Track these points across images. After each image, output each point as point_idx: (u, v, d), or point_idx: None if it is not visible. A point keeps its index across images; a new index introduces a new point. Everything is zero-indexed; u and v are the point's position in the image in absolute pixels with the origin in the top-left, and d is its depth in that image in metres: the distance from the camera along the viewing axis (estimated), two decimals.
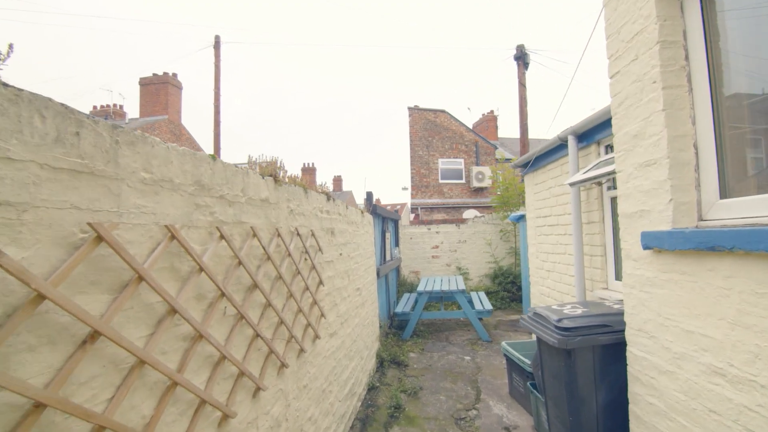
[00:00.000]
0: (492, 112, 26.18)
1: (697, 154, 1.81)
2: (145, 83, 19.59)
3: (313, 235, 2.51)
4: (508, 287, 8.50)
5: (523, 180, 10.45)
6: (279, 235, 1.97)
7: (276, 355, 1.87)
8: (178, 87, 20.34)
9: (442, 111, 19.32)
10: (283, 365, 1.97)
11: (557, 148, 4.03)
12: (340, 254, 3.28)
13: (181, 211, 1.30)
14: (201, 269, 1.33)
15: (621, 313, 2.33)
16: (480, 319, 6.19)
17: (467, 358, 5.28)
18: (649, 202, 1.94)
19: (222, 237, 1.46)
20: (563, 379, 2.43)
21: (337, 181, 33.11)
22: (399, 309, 6.27)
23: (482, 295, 7.05)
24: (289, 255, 2.10)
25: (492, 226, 9.11)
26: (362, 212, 4.46)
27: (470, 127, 19.86)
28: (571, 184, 3.34)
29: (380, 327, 5.39)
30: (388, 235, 6.85)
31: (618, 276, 3.25)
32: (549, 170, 4.38)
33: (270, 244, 1.89)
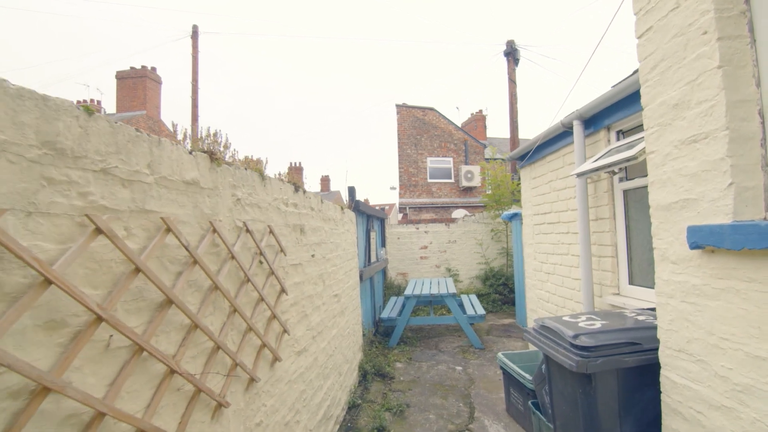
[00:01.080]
0: (480, 111, 26.01)
1: (763, 124, 1.39)
2: (122, 77, 18.78)
3: (271, 232, 2.01)
4: (500, 289, 8.11)
5: (514, 177, 10.06)
6: (215, 230, 1.47)
7: (208, 393, 1.37)
8: (157, 81, 19.52)
9: (431, 109, 18.98)
10: (221, 405, 1.47)
11: (559, 137, 3.62)
12: (312, 256, 2.79)
13: (11, 187, 0.79)
14: (48, 281, 0.82)
15: (650, 328, 1.91)
16: (471, 324, 5.76)
17: (459, 368, 4.83)
18: (697, 188, 1.51)
19: (99, 230, 0.96)
20: (579, 407, 1.99)
21: (325, 180, 32.47)
22: (385, 314, 5.79)
23: (473, 298, 6.62)
24: (233, 257, 1.60)
25: (483, 226, 8.71)
26: (342, 208, 3.97)
27: (459, 126, 19.52)
28: (579, 175, 2.92)
29: (363, 335, 4.90)
30: (373, 234, 6.37)
31: (633, 280, 2.85)
32: (549, 162, 3.97)
33: (201, 244, 1.40)
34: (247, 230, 1.75)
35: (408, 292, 5.84)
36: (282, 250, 2.15)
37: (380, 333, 6.06)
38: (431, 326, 6.69)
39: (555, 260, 3.89)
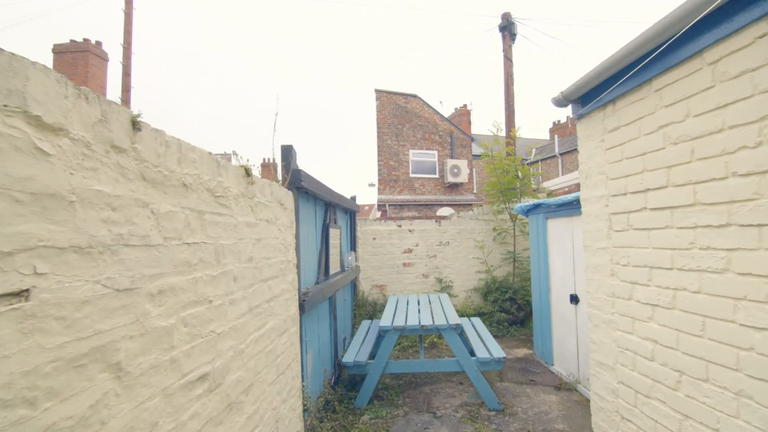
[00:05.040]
0: (465, 106, 24.61)
1: None
2: (60, 51, 16.09)
3: None
4: (506, 306, 6.20)
5: (529, 163, 8.14)
6: None
7: None
8: (103, 58, 16.85)
9: (414, 96, 17.16)
10: None
11: (711, 22, 1.69)
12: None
13: None
14: None
15: None
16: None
17: None
18: None
19: None
20: None
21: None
22: (349, 357, 3.73)
23: (479, 324, 4.66)
24: None
25: (483, 223, 6.79)
26: (247, 173, 1.90)
27: (444, 116, 17.76)
28: None
29: (306, 410, 2.80)
30: (335, 232, 4.30)
31: None
32: (661, 91, 2.04)
33: None
34: None
35: (385, 321, 3.79)
36: None
37: (343, 383, 3.99)
38: None
39: (676, 281, 1.95)
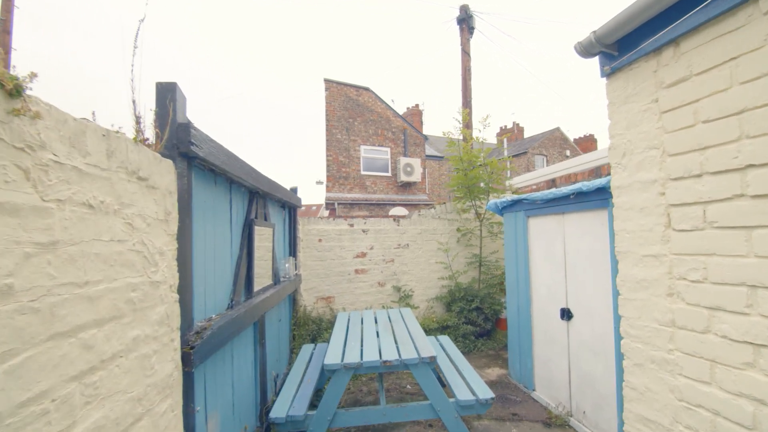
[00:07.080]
0: (417, 105, 24.38)
1: None
2: None
3: None
4: (472, 317, 5.46)
5: (493, 155, 7.43)
6: None
7: None
8: None
9: (366, 89, 16.23)
10: None
11: None
12: None
13: None
14: None
15: None
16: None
17: None
18: None
19: None
20: None
21: None
22: (281, 410, 2.63)
23: (450, 346, 3.79)
24: None
25: (447, 223, 6.00)
26: (9, 93, 0.77)
27: (397, 113, 17.05)
28: None
29: None
30: (263, 232, 3.17)
31: None
32: None
33: None
34: None
35: (333, 355, 2.74)
36: None
37: None
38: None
39: None
